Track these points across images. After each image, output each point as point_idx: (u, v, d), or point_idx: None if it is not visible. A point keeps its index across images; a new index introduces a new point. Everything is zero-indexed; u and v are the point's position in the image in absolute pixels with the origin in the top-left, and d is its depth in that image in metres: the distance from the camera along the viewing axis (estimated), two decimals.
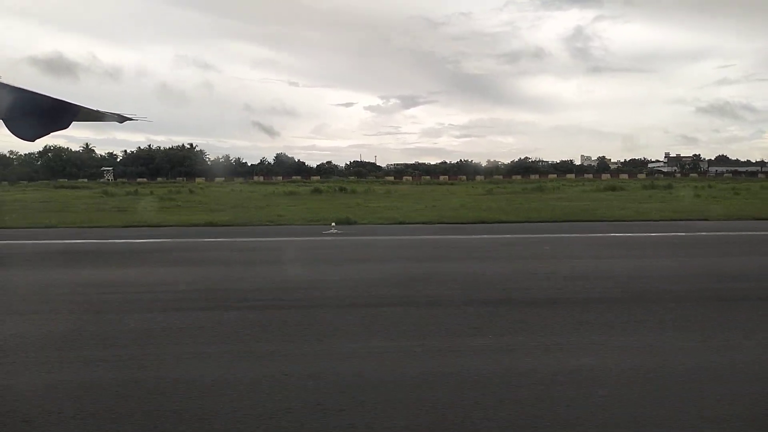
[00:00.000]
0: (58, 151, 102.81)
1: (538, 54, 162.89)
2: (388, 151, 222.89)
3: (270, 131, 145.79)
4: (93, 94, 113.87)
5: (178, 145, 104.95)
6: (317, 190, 37.25)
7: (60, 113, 4.21)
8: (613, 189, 36.07)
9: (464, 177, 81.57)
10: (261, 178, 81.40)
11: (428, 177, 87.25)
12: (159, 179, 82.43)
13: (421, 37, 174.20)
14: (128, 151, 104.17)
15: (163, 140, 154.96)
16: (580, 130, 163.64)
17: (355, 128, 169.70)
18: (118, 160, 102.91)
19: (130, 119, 4.81)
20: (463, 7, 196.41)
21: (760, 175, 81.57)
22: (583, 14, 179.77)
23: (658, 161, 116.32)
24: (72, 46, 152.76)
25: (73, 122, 4.31)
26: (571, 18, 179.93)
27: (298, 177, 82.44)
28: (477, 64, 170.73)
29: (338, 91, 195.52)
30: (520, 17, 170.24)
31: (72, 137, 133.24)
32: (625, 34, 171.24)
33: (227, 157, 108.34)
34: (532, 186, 43.03)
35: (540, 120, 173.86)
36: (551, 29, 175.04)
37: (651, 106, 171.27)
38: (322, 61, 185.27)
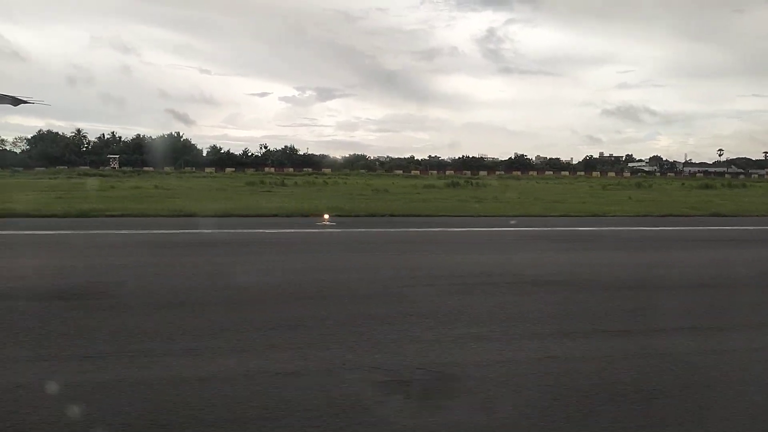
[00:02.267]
0: (53, 137, 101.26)
1: (453, 53, 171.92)
2: (302, 143, 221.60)
3: (185, 119, 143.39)
4: None
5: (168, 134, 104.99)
6: (455, 184, 38.10)
7: None
8: (707, 187, 40.17)
9: (434, 172, 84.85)
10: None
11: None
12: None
13: (338, 30, 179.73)
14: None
15: (64, 125, 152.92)
16: (491, 128, 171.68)
17: (270, 119, 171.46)
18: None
19: (26, 102, 4.51)
20: (380, 3, 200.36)
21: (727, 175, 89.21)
22: (496, 16, 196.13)
23: (641, 161, 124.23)
24: None
25: None
26: (484, 19, 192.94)
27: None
28: (393, 59, 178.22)
29: (252, 80, 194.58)
30: (435, 16, 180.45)
31: None
32: (534, 37, 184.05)
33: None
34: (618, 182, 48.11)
35: (453, 117, 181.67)
36: (465, 29, 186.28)
37: (556, 107, 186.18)
38: (235, 49, 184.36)
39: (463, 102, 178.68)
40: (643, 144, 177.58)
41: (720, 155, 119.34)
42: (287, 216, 15.76)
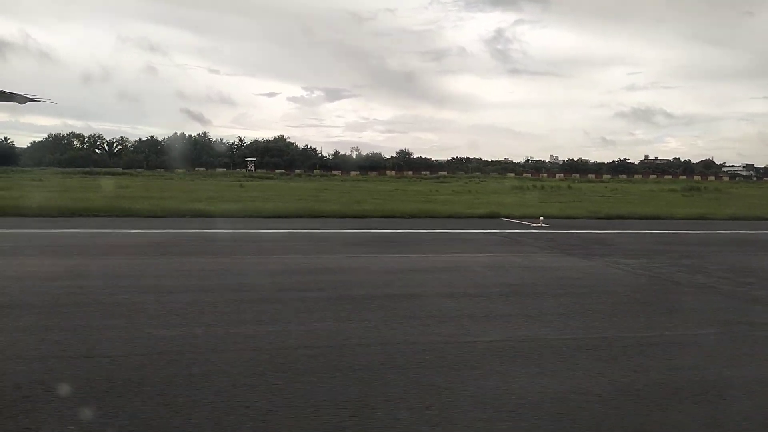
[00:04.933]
0: (187, 139, 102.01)
1: (461, 53, 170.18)
2: (311, 144, 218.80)
3: (201, 119, 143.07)
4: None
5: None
6: (695, 188, 40.03)
7: None
8: None
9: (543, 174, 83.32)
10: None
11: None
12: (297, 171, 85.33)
13: (346, 31, 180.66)
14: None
15: (81, 125, 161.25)
16: (498, 129, 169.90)
17: (278, 119, 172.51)
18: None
19: (33, 100, 4.62)
20: (388, 4, 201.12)
21: None
22: (504, 17, 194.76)
23: (733, 166, 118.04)
24: None
25: None
26: (492, 20, 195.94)
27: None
28: (401, 60, 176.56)
29: (261, 80, 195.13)
30: (443, 17, 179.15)
31: None
32: (543, 38, 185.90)
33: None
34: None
35: (461, 118, 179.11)
36: (474, 30, 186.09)
37: (565, 108, 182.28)
38: (244, 49, 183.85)
39: (471, 103, 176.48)
40: (652, 146, 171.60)
41: None
42: None
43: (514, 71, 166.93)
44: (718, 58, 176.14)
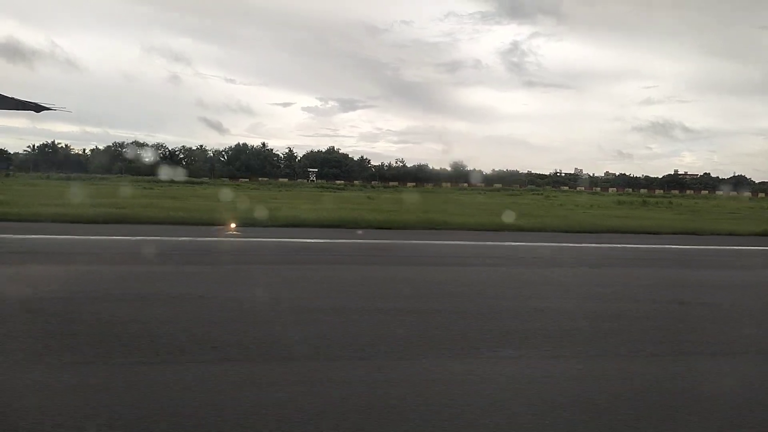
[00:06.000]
0: (255, 152, 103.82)
1: (476, 65, 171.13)
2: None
3: (219, 128, 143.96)
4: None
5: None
6: None
7: None
8: None
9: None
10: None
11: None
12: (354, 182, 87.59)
13: (361, 42, 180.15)
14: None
15: (99, 132, 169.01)
16: (512, 141, 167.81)
17: (292, 128, 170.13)
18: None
19: (48, 108, 4.50)
20: (404, 16, 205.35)
21: None
22: (520, 30, 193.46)
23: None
24: None
25: None
26: (508, 33, 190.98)
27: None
28: (416, 71, 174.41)
29: (276, 90, 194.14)
30: (459, 29, 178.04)
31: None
32: (558, 51, 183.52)
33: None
34: None
35: (474, 130, 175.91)
36: (489, 42, 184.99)
37: (580, 121, 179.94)
38: (260, 59, 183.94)
39: (485, 115, 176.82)
40: (667, 160, 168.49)
41: None
42: None
43: (529, 84, 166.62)
44: (734, 72, 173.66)
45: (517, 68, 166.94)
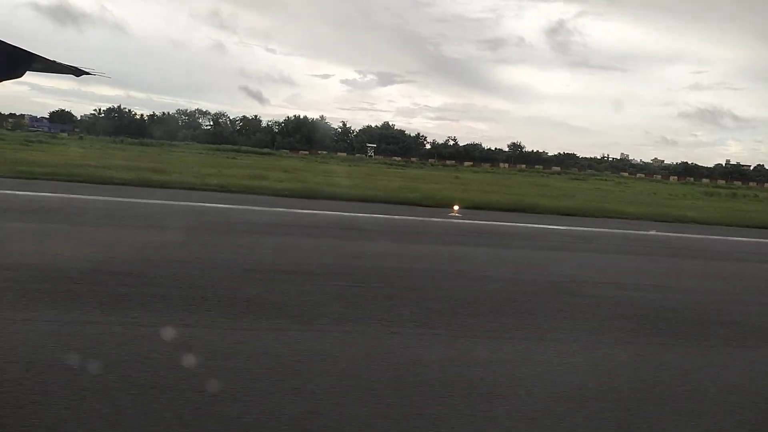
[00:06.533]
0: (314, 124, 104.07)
1: (519, 43, 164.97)
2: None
3: (259, 97, 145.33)
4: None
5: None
6: None
7: (14, 61, 4.06)
8: None
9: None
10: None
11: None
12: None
13: (403, 15, 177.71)
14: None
15: (144, 97, 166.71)
16: (551, 122, 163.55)
17: (330, 101, 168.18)
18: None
19: (87, 73, 4.72)
20: None
21: None
22: (567, 8, 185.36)
23: None
24: None
25: (28, 72, 4.26)
26: (554, 11, 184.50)
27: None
28: (458, 47, 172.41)
29: (315, 61, 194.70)
30: (504, 5, 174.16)
31: (40, 86, 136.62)
32: (605, 31, 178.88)
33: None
34: None
35: (513, 109, 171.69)
36: (534, 20, 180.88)
37: (623, 104, 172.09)
38: (300, 30, 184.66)
39: (525, 94, 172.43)
40: (712, 149, 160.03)
41: None
42: None
43: (573, 64, 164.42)
44: None
45: (562, 48, 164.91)
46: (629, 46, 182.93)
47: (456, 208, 16.28)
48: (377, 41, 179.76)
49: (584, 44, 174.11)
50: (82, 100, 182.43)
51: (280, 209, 13.81)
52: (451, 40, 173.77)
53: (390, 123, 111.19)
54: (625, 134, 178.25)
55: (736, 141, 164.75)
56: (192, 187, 17.04)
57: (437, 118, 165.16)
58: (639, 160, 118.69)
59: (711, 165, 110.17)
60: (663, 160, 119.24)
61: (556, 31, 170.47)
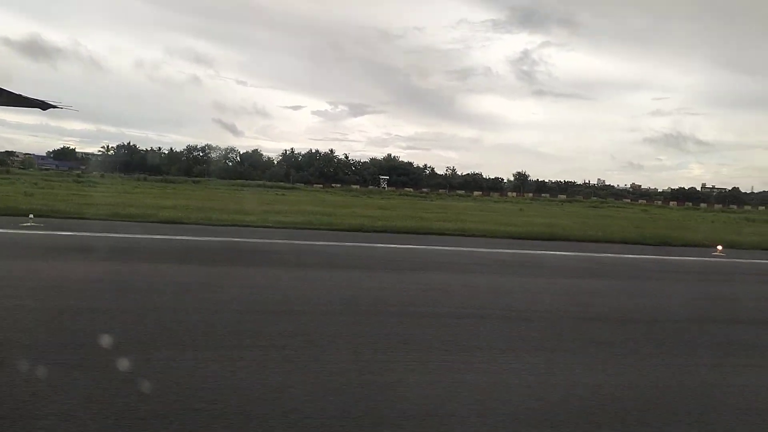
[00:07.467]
0: (328, 157, 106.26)
1: (487, 73, 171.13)
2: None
3: (233, 130, 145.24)
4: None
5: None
6: None
7: None
8: None
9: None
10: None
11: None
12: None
13: (374, 48, 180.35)
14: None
15: (114, 131, 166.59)
16: (521, 149, 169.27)
17: (302, 132, 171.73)
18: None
19: (54, 107, 4.63)
20: (417, 23, 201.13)
21: None
22: (531, 39, 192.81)
23: None
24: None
25: None
26: (519, 42, 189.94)
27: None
28: (428, 78, 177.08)
29: (287, 93, 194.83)
30: (471, 36, 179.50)
31: (7, 121, 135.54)
32: (569, 60, 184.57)
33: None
34: None
35: (483, 137, 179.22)
36: (500, 51, 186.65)
37: (589, 131, 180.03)
38: (271, 62, 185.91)
39: (495, 123, 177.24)
40: (675, 172, 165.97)
41: None
42: None
43: (539, 92, 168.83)
44: (746, 85, 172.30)
45: (528, 77, 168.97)
46: (593, 74, 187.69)
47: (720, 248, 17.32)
48: (348, 73, 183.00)
49: (549, 73, 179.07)
50: (51, 134, 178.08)
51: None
52: (420, 70, 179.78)
53: (394, 155, 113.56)
54: (593, 159, 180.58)
55: (699, 164, 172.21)
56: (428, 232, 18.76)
57: (408, 147, 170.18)
58: (617, 185, 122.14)
59: (676, 187, 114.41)
60: (640, 185, 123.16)
61: (521, 61, 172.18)
